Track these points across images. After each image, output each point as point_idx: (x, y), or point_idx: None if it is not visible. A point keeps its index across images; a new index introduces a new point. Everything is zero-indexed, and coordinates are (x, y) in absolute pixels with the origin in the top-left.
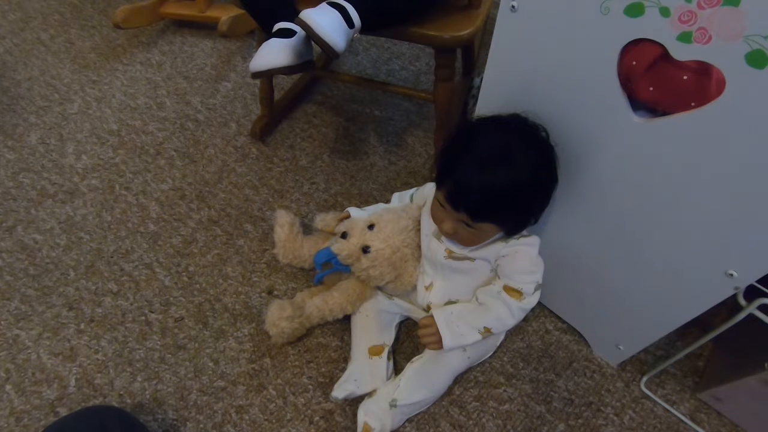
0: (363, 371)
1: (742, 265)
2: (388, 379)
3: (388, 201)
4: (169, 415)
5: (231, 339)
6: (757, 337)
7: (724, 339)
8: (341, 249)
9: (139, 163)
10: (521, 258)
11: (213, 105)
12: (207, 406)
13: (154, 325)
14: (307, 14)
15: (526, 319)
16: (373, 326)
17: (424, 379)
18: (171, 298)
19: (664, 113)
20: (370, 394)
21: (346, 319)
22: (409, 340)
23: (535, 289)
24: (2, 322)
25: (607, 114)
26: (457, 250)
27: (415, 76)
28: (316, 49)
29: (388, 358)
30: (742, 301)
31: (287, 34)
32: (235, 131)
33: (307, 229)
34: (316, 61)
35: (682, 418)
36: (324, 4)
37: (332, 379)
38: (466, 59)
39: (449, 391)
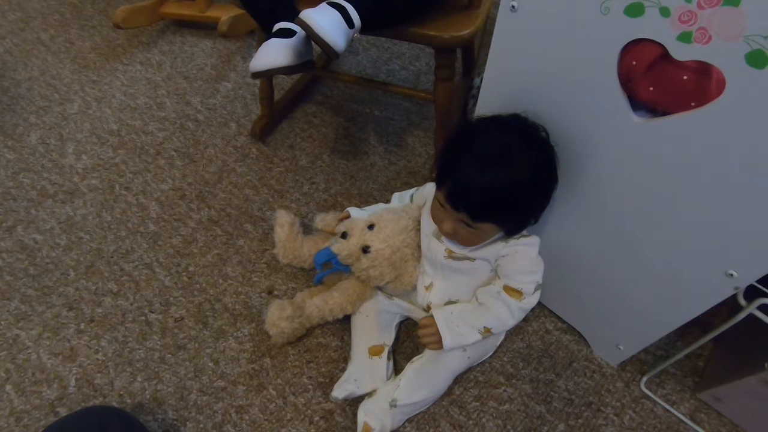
0: (363, 371)
1: (742, 265)
2: (388, 379)
3: (388, 201)
4: (169, 415)
5: (231, 339)
6: (757, 337)
7: (724, 339)
8: (341, 249)
9: (139, 163)
10: (521, 258)
11: (213, 105)
12: (207, 406)
13: (154, 325)
14: (307, 14)
15: (526, 319)
16: (373, 326)
17: (424, 379)
18: (171, 298)
19: (664, 113)
20: (370, 394)
21: (346, 319)
22: (409, 340)
23: (535, 289)
24: (2, 322)
25: (607, 114)
26: (457, 250)
27: (415, 76)
28: (316, 49)
29: (388, 358)
30: (742, 301)
31: (287, 34)
32: (235, 131)
33: (307, 229)
34: (316, 61)
35: (682, 418)
36: (324, 4)
37: (332, 379)
38: (466, 59)
39: (449, 391)
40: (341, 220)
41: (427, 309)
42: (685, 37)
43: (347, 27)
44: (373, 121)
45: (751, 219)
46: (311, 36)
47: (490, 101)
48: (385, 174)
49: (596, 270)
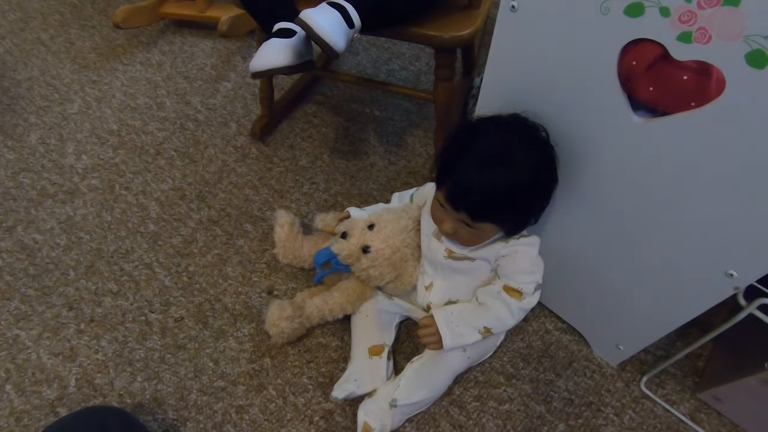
0: (363, 371)
1: (742, 265)
2: (388, 379)
3: (388, 201)
4: (169, 415)
5: (231, 339)
6: (757, 337)
7: (724, 339)
8: (341, 249)
9: (139, 163)
10: (521, 258)
11: (213, 105)
12: (207, 406)
13: (154, 325)
14: (307, 14)
15: (526, 319)
16: (373, 326)
17: (424, 379)
18: (171, 298)
19: (664, 113)
20: (370, 394)
21: (346, 319)
22: (409, 340)
23: (535, 289)
24: (2, 322)
25: (607, 114)
26: (457, 250)
27: (415, 76)
28: (316, 49)
29: (388, 358)
30: (742, 301)
31: (287, 34)
32: (235, 131)
33: (307, 229)
34: (316, 61)
35: (682, 418)
36: (324, 4)
37: (332, 379)
38: (466, 59)
39: (449, 391)
40: (341, 220)
41: (427, 309)
42: (685, 37)
43: (347, 27)
44: (373, 121)
45: (751, 219)
46: (311, 36)
47: (490, 101)
48: (385, 174)
49: (596, 270)
